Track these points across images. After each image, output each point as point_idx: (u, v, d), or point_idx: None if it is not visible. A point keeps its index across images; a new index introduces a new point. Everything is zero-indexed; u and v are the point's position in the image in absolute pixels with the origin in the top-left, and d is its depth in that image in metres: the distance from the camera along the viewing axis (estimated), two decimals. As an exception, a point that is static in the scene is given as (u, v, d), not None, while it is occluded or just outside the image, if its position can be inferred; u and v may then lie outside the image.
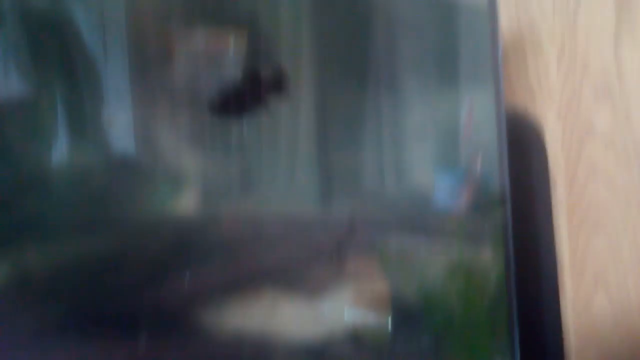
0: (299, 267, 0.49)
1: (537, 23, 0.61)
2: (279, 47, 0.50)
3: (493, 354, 0.51)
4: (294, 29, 0.51)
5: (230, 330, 0.44)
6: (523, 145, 0.59)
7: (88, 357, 0.37)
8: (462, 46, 0.55)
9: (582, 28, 0.58)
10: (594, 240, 0.60)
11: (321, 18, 0.52)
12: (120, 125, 0.42)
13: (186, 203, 0.45)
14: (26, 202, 0.38)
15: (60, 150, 0.40)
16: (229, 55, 0.48)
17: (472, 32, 0.53)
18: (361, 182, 0.56)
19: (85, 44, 0.41)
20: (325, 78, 0.52)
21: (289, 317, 0.47)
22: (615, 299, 0.60)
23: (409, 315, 0.50)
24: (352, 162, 0.56)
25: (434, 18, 0.54)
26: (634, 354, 0.60)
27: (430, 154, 0.58)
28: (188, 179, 0.45)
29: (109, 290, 0.39)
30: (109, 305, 0.39)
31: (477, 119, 0.55)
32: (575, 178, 0.60)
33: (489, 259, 0.53)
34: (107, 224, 0.40)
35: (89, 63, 0.41)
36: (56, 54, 0.40)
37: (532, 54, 0.61)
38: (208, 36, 0.47)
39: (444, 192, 0.57)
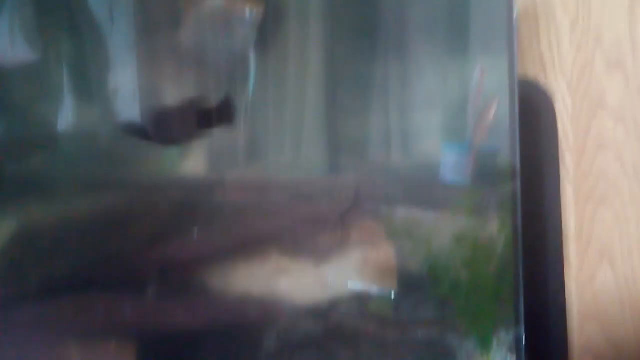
0: (305, 232, 0.48)
1: (551, -8, 0.60)
2: (287, 8, 0.49)
3: (498, 322, 0.51)
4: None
5: (235, 291, 0.43)
6: (532, 116, 0.58)
7: (95, 313, 0.36)
8: (476, 13, 0.54)
9: (596, -2, 0.58)
10: (600, 213, 0.60)
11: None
12: (126, 87, 0.41)
13: (193, 165, 0.45)
14: (34, 162, 0.38)
15: (66, 112, 0.39)
16: (244, 16, 0.47)
17: (487, 4, 0.52)
18: (368, 149, 0.55)
19: (91, 4, 0.40)
20: (334, 43, 0.51)
21: (293, 281, 0.46)
22: (620, 273, 0.60)
23: (415, 282, 0.50)
24: (360, 129, 0.55)
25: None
26: (637, 328, 0.60)
27: (439, 123, 0.57)
28: (195, 142, 0.45)
29: (115, 250, 0.39)
30: (115, 264, 0.39)
31: (488, 88, 0.55)
32: (584, 150, 0.59)
33: (496, 229, 0.52)
34: (113, 185, 0.40)
35: (95, 24, 0.40)
36: (62, 14, 0.39)
37: (544, 24, 0.60)
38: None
39: (453, 160, 0.56)
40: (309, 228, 0.49)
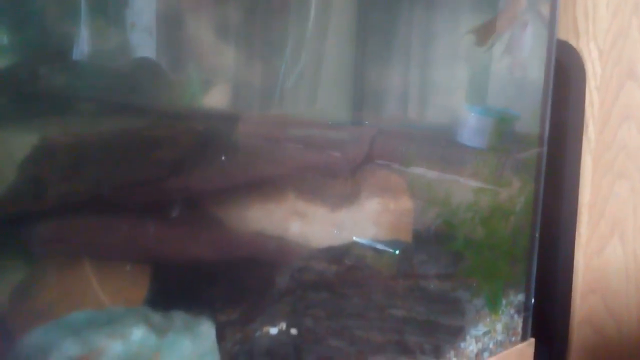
0: (321, 176, 0.47)
1: (592, -47, 0.58)
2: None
3: (508, 282, 0.50)
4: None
5: (249, 228, 0.42)
6: (562, 83, 0.57)
7: (112, 235, 0.35)
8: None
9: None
10: (616, 186, 0.59)
11: None
12: (147, 16, 0.39)
13: (214, 98, 0.43)
14: (55, 79, 0.36)
15: (88, 32, 0.37)
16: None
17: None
18: (390, 101, 0.54)
19: None
20: None
21: (308, 225, 0.45)
22: (629, 248, 0.59)
23: (429, 236, 0.49)
24: (383, 80, 0.53)
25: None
26: (639, 304, 0.60)
27: (465, 81, 0.56)
28: (218, 73, 0.43)
29: (134, 174, 0.37)
30: (133, 189, 0.37)
31: (523, 51, 0.53)
32: (608, 120, 0.58)
33: (516, 191, 0.51)
34: (135, 109, 0.38)
35: None
36: None
37: (582, -14, 0.58)
38: None
39: (476, 120, 0.55)
40: (326, 173, 0.47)
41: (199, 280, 0.38)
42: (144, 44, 0.39)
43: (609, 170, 0.58)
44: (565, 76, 0.58)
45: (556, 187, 0.57)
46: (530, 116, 0.53)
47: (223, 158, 0.39)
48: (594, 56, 0.58)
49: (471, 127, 0.56)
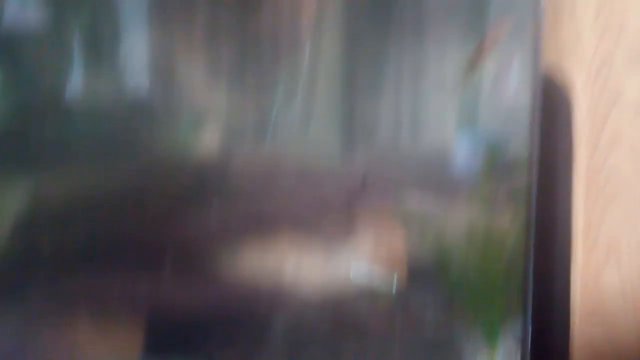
0: (315, 215, 0.47)
1: (574, -20, 0.58)
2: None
3: (505, 313, 0.50)
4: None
5: (244, 273, 0.42)
6: (549, 108, 0.57)
7: (108, 287, 0.34)
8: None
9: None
10: (610, 211, 0.58)
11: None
12: (139, 58, 0.39)
13: (205, 140, 0.43)
14: (46, 132, 0.36)
15: (79, 82, 0.37)
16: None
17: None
18: (381, 135, 0.54)
19: None
20: (350, 25, 0.50)
21: (302, 265, 0.45)
22: (626, 273, 0.59)
23: (424, 270, 0.48)
24: (373, 113, 0.53)
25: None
26: (639, 329, 0.59)
27: (453, 111, 0.56)
28: (208, 116, 0.43)
29: (126, 223, 0.37)
30: (125, 239, 0.37)
31: (509, 77, 0.53)
32: (598, 146, 0.58)
33: (508, 221, 0.51)
34: (126, 157, 0.38)
35: None
36: None
37: (567, 13, 0.59)
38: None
39: (467, 149, 0.55)
40: (319, 211, 0.47)
41: (192, 329, 0.37)
42: (137, 85, 0.39)
43: (600, 195, 0.58)
44: (553, 102, 0.58)
45: (549, 214, 0.57)
46: (520, 143, 0.53)
47: (215, 202, 0.39)
48: (581, 81, 0.58)
49: (462, 153, 0.56)
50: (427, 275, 0.49)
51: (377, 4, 0.51)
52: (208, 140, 0.43)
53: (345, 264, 0.46)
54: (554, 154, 0.57)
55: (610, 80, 0.57)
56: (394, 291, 0.47)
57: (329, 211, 0.47)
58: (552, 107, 0.58)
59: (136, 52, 0.39)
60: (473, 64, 0.54)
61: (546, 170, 0.57)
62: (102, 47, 0.38)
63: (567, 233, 0.58)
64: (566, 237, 0.57)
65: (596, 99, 0.58)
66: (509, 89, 0.53)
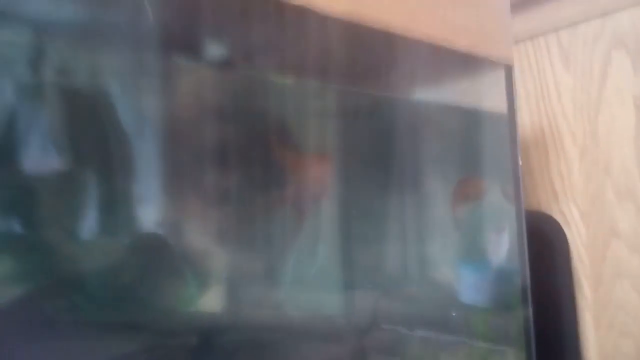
0: (330, 344, 0.48)
1: (558, 122, 0.62)
2: (305, 144, 0.52)
3: None
4: (320, 129, 0.53)
5: None
6: (546, 245, 0.58)
7: None
8: (483, 149, 0.56)
9: (603, 127, 0.59)
10: (622, 345, 0.58)
11: (347, 123, 0.53)
12: (149, 218, 0.42)
13: (210, 301, 0.45)
14: (53, 288, 0.38)
15: (84, 240, 0.40)
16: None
17: (493, 137, 0.54)
18: (385, 284, 0.55)
19: (120, 114, 0.42)
20: (350, 179, 0.53)
21: None
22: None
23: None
24: (376, 264, 0.55)
25: (457, 124, 0.55)
26: None
27: (453, 253, 0.58)
28: (214, 276, 0.45)
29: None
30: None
31: (498, 218, 0.55)
32: (601, 278, 0.59)
33: (512, 357, 0.51)
34: (134, 317, 0.40)
35: (122, 134, 0.41)
36: (91, 124, 0.41)
37: (554, 153, 0.61)
38: (240, 136, 0.48)
39: (470, 280, 0.56)
40: (332, 342, 0.48)
41: None
42: (150, 214, 0.41)
43: (611, 329, 0.58)
44: (549, 238, 0.59)
45: (559, 350, 0.57)
46: (519, 279, 0.54)
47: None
48: (576, 217, 0.60)
49: (468, 285, 0.57)
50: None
51: (374, 158, 0.54)
52: (213, 299, 0.45)
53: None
54: (558, 289, 0.58)
55: (603, 215, 0.59)
56: None
57: (341, 341, 0.48)
58: (550, 244, 0.59)
59: (143, 212, 0.42)
60: (456, 205, 0.56)
61: (552, 306, 0.57)
62: (108, 206, 0.41)
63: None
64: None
65: (593, 233, 0.59)
66: (500, 230, 0.55)
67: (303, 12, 0.48)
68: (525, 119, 0.63)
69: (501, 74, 0.53)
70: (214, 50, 0.47)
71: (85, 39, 0.41)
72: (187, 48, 0.46)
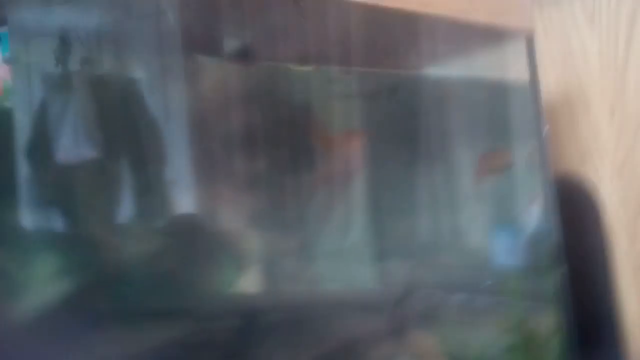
0: (362, 343, 0.49)
1: (585, 84, 0.62)
2: (337, 121, 0.53)
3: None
4: (350, 110, 0.54)
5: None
6: (578, 206, 0.59)
7: None
8: (509, 118, 0.57)
9: (631, 86, 0.59)
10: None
11: (376, 102, 0.55)
12: (182, 205, 0.44)
13: (248, 282, 0.47)
14: (88, 274, 0.38)
15: (122, 229, 0.40)
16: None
17: (518, 106, 0.55)
18: (421, 253, 0.57)
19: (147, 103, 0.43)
20: (382, 155, 0.55)
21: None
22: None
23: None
24: (411, 234, 0.57)
25: (483, 96, 0.56)
26: None
27: (486, 219, 0.59)
28: (249, 258, 0.46)
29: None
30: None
31: (528, 183, 0.57)
32: (637, 235, 0.59)
33: (549, 321, 0.53)
34: (177, 303, 0.42)
35: (151, 121, 0.43)
36: (120, 114, 0.41)
37: (582, 113, 0.62)
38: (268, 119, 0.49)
39: (501, 254, 0.58)
40: (365, 338, 0.50)
41: None
42: (184, 200, 0.42)
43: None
44: (582, 199, 0.60)
45: (596, 310, 0.58)
46: (548, 238, 0.55)
47: (260, 341, 0.43)
48: (608, 175, 0.60)
49: (502, 248, 0.59)
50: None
51: (404, 136, 0.56)
52: (251, 281, 0.46)
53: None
54: (592, 249, 0.59)
55: (637, 171, 0.59)
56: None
57: (375, 339, 0.50)
58: (582, 204, 0.60)
59: (180, 201, 0.42)
60: (492, 171, 0.57)
61: (587, 266, 0.58)
62: (146, 197, 0.40)
63: (617, 328, 0.58)
64: (617, 332, 0.58)
65: (627, 190, 0.60)
66: (529, 194, 0.57)
67: (321, 1, 0.49)
68: (551, 84, 0.63)
69: (522, 44, 0.54)
70: (242, 44, 0.49)
71: (118, 42, 0.42)
72: (214, 45, 0.48)
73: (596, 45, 0.61)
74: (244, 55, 0.49)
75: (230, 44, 0.49)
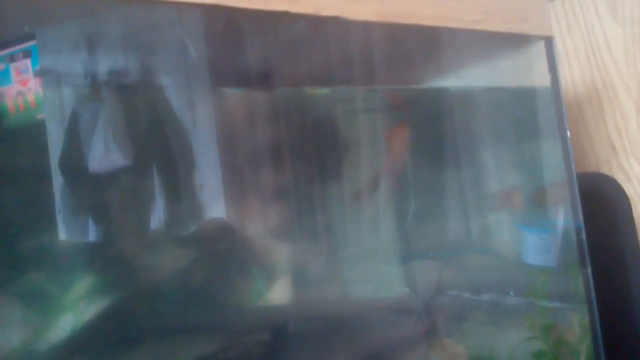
0: (392, 348, 0.51)
1: (611, 75, 0.61)
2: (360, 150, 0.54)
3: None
4: (378, 123, 0.55)
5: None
6: (606, 204, 0.59)
7: None
8: (533, 120, 0.57)
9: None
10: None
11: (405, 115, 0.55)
12: (213, 213, 0.42)
13: (279, 292, 0.46)
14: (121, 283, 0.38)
15: (155, 245, 0.40)
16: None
17: (541, 107, 0.55)
18: (451, 253, 0.58)
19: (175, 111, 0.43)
20: (410, 158, 0.55)
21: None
22: None
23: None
24: (441, 235, 0.58)
25: (506, 99, 0.56)
26: None
27: (514, 219, 0.60)
28: (279, 268, 0.46)
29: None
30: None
31: (554, 180, 0.57)
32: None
33: (577, 322, 0.53)
34: (208, 317, 0.43)
35: (179, 127, 0.42)
36: (149, 122, 0.42)
37: (609, 108, 0.61)
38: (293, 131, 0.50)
39: (529, 253, 0.58)
40: (396, 344, 0.51)
41: None
42: (213, 205, 0.42)
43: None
44: (610, 193, 0.60)
45: (627, 307, 0.58)
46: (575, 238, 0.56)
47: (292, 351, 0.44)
48: (637, 171, 0.60)
49: (533, 246, 0.59)
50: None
51: (431, 135, 0.57)
52: (281, 291, 0.46)
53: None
54: (621, 244, 0.59)
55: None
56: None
57: (406, 345, 0.51)
58: (611, 198, 0.60)
59: (210, 212, 0.42)
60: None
61: (615, 262, 0.59)
62: (176, 206, 0.40)
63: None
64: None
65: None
66: (556, 192, 0.57)
67: (339, 22, 0.49)
68: (576, 77, 0.62)
69: (541, 46, 0.54)
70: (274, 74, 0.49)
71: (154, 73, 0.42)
72: (249, 75, 0.48)
73: (620, 35, 0.60)
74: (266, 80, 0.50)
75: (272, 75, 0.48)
